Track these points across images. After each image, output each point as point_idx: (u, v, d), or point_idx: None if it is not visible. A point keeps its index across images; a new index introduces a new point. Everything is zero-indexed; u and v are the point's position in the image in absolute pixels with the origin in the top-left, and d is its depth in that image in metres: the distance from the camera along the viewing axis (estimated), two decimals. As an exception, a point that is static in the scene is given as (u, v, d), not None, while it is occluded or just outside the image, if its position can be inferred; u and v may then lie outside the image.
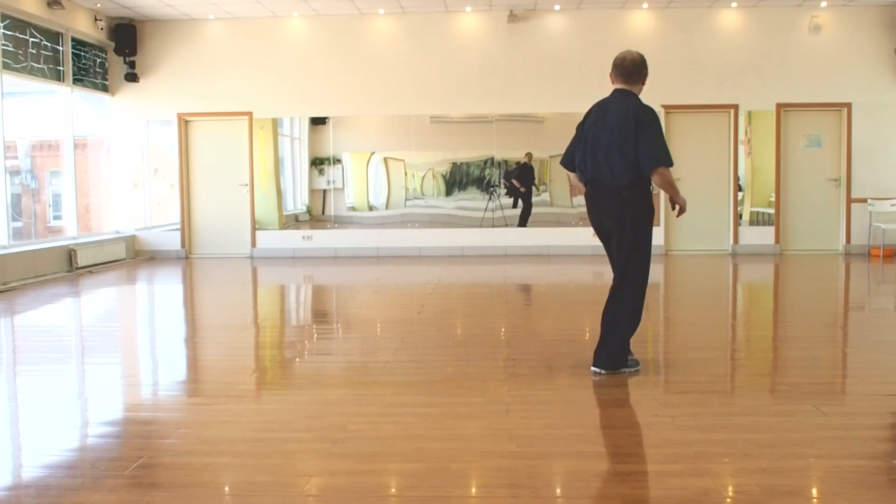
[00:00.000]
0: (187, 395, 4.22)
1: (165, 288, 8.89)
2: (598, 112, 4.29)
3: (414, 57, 11.01)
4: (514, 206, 11.14)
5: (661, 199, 10.84)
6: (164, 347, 5.60)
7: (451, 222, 11.22)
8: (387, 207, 11.33)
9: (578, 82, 10.60)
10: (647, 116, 4.11)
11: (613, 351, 4.30)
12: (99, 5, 10.30)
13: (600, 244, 4.46)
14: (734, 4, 10.62)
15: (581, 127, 4.36)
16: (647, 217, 4.23)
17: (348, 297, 8.00)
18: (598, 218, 4.33)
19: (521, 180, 11.08)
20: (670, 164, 4.07)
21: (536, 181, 11.06)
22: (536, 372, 4.46)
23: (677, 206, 4.25)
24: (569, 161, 4.45)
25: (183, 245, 11.30)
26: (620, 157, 4.10)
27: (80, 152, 11.05)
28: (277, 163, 11.31)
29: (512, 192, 11.14)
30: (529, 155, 10.96)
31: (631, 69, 4.27)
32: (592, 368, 4.34)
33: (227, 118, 11.23)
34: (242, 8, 10.56)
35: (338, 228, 11.31)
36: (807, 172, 10.95)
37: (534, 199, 11.10)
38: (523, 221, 11.11)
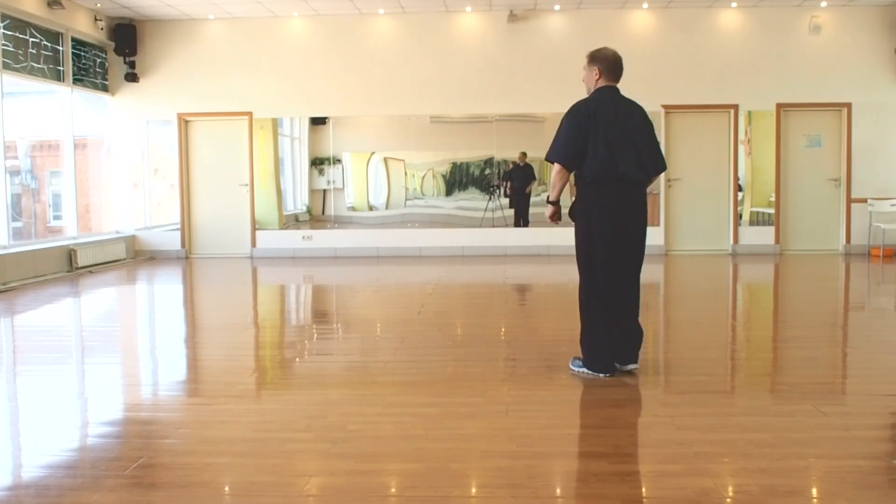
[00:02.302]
0: (187, 395, 4.22)
1: (165, 288, 8.89)
2: (608, 108, 4.14)
3: (414, 57, 11.02)
4: (511, 206, 11.15)
5: (662, 198, 10.86)
6: (164, 347, 5.60)
7: (451, 222, 11.22)
8: (387, 207, 11.33)
9: (578, 82, 10.51)
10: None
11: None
12: (99, 5, 10.30)
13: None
14: (734, 4, 10.62)
15: (587, 123, 4.10)
16: None
17: (348, 297, 8.00)
18: (621, 217, 4.14)
19: (512, 181, 11.09)
20: None
21: (537, 181, 11.04)
22: (536, 372, 4.46)
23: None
24: (574, 161, 4.15)
25: (183, 245, 11.30)
26: (648, 156, 4.19)
27: (80, 152, 11.05)
28: (277, 163, 11.31)
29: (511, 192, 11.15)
30: (522, 155, 10.96)
31: (621, 67, 4.32)
32: (631, 367, 4.29)
33: (227, 118, 11.23)
34: (242, 8, 10.56)
35: (338, 228, 11.31)
36: (807, 172, 10.95)
37: (533, 199, 11.08)
38: (519, 222, 11.09)
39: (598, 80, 4.26)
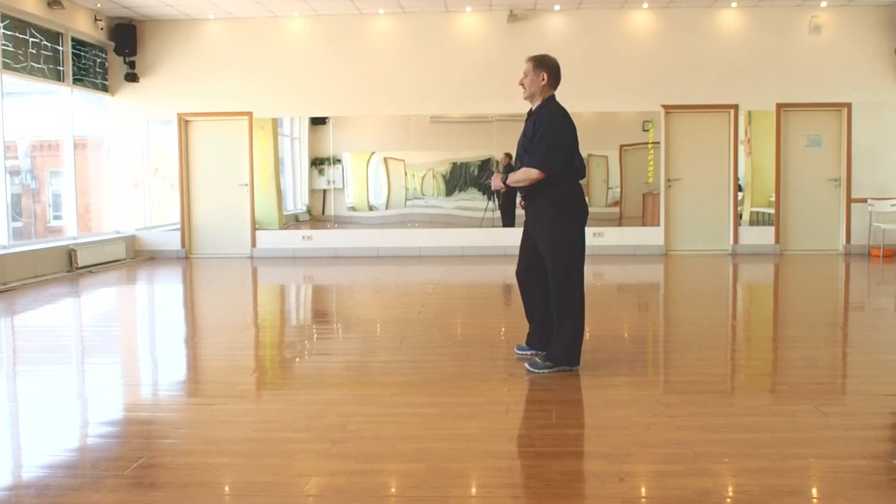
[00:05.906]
0: (187, 395, 4.22)
1: (165, 288, 8.89)
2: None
3: (414, 57, 11.02)
4: (498, 207, 11.14)
5: (661, 198, 10.85)
6: (164, 347, 5.60)
7: (451, 222, 11.22)
8: (387, 207, 11.33)
9: (578, 82, 10.55)
10: None
11: None
12: (99, 5, 10.30)
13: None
14: (734, 4, 10.62)
15: (574, 130, 4.38)
16: None
17: (348, 297, 7.99)
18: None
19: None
20: None
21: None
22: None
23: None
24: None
25: (183, 245, 11.30)
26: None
27: (80, 152, 11.05)
28: (277, 163, 11.31)
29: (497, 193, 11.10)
30: (507, 156, 10.93)
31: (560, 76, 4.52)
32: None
33: (227, 118, 11.23)
34: (242, 8, 10.56)
35: (338, 228, 11.31)
36: (807, 172, 10.96)
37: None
38: (509, 222, 11.11)
39: (544, 85, 4.39)
